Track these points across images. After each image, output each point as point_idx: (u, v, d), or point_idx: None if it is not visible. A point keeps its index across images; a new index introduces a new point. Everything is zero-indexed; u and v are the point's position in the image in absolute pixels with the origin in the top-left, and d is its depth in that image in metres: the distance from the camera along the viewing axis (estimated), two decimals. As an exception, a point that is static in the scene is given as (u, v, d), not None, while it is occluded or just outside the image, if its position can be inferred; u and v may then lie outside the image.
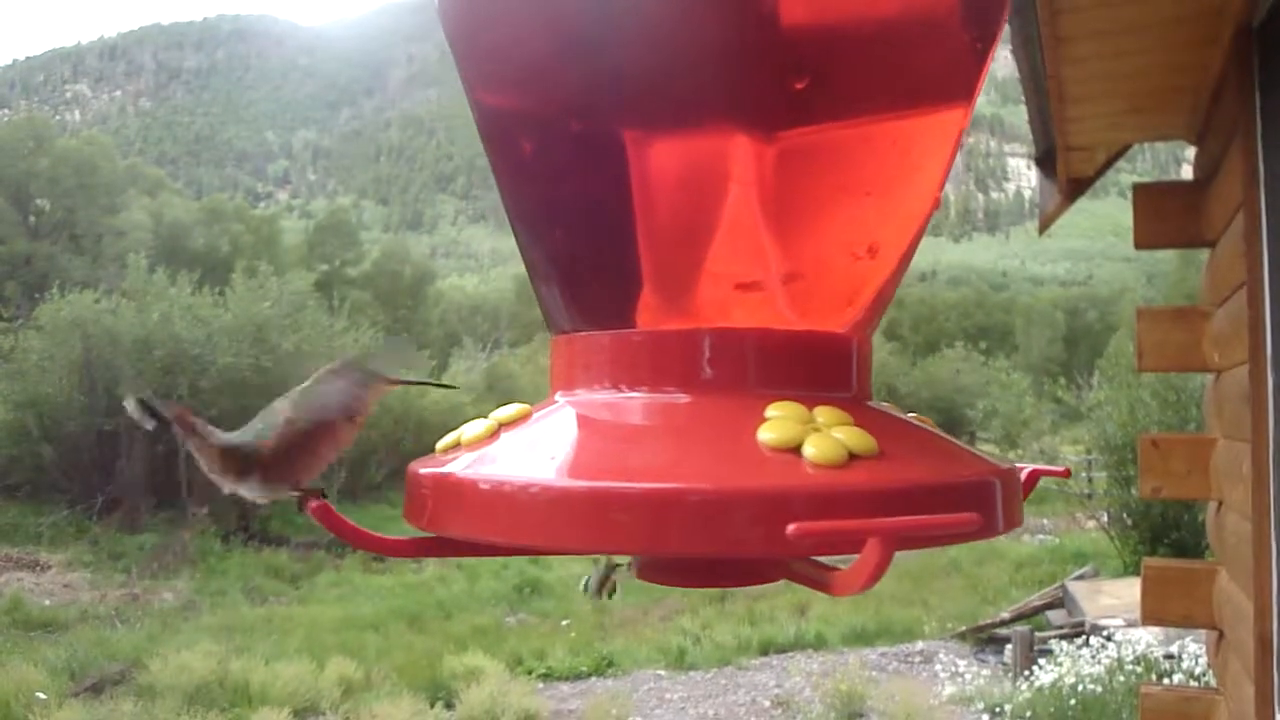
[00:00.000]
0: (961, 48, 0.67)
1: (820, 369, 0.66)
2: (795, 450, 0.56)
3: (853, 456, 0.56)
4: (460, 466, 0.62)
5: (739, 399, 0.62)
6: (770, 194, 0.63)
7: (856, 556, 0.49)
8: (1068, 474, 0.75)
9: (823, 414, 0.59)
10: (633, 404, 0.65)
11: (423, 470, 0.64)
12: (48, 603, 12.52)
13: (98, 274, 25.70)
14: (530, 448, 0.62)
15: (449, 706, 8.54)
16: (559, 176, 0.67)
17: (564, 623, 12.10)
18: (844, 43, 0.63)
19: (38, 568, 14.36)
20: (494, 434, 0.66)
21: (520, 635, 11.58)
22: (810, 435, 0.56)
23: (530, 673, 9.75)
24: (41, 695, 8.15)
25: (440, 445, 0.68)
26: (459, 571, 14.74)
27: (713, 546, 0.53)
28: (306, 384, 0.82)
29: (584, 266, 0.69)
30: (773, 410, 0.59)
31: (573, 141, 0.65)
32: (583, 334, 0.68)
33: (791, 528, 0.46)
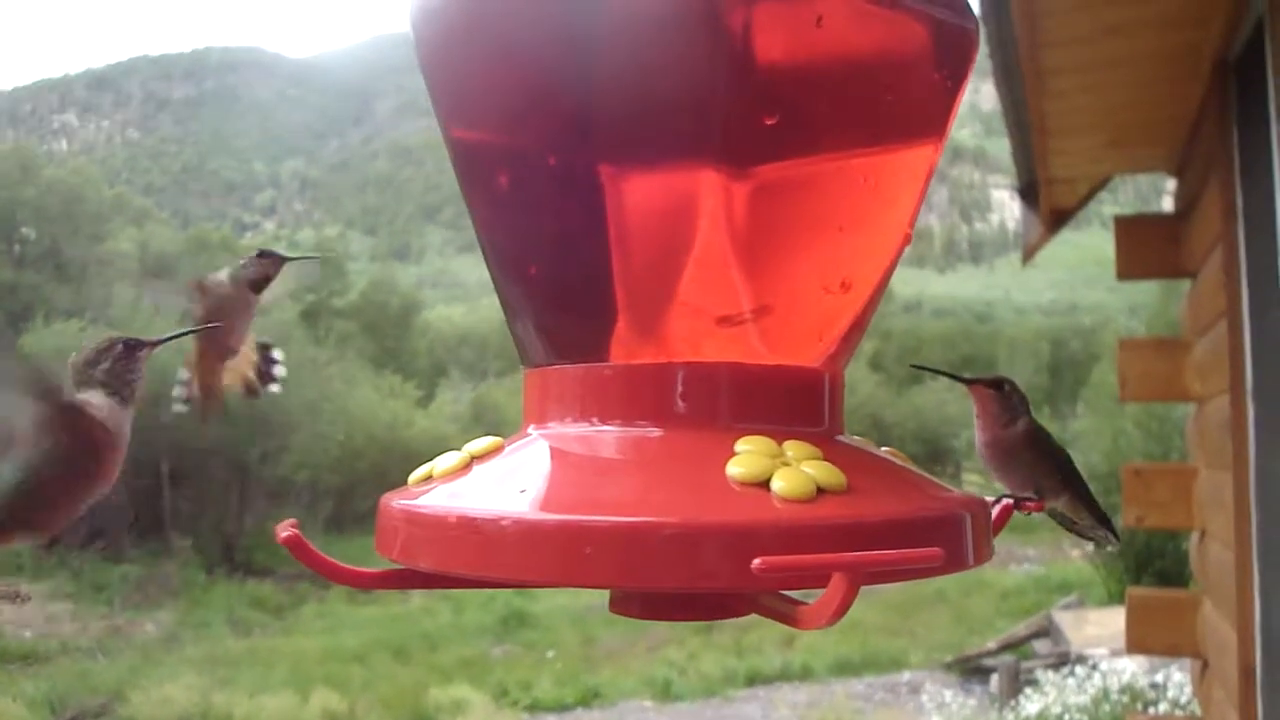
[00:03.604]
0: (932, 86, 0.68)
1: (792, 403, 0.66)
2: (764, 484, 0.56)
3: (821, 491, 0.56)
4: (432, 499, 0.62)
5: (710, 433, 0.62)
6: (743, 229, 0.63)
7: (823, 590, 0.49)
8: (1042, 507, 0.75)
9: (792, 448, 0.59)
10: (605, 437, 0.65)
11: (395, 503, 0.64)
12: (28, 635, 12.39)
13: (83, 303, 25.58)
14: (502, 480, 0.62)
15: (434, 739, 8.48)
16: (534, 211, 0.67)
17: (549, 654, 12.02)
18: (815, 81, 0.63)
19: (18, 599, 14.23)
20: (466, 466, 0.66)
21: (506, 666, 11.51)
22: (779, 469, 0.57)
23: (516, 704, 9.69)
24: (20, 729, 8.07)
25: (413, 478, 0.68)
26: (444, 603, 14.66)
27: (681, 580, 0.53)
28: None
29: (559, 300, 0.69)
30: (743, 444, 0.59)
31: (547, 177, 0.66)
32: (556, 367, 0.68)
33: (757, 562, 0.47)
